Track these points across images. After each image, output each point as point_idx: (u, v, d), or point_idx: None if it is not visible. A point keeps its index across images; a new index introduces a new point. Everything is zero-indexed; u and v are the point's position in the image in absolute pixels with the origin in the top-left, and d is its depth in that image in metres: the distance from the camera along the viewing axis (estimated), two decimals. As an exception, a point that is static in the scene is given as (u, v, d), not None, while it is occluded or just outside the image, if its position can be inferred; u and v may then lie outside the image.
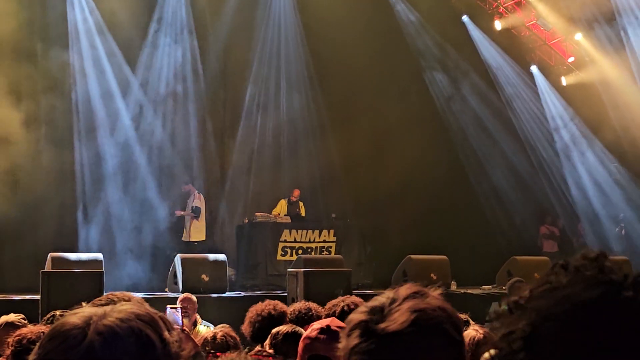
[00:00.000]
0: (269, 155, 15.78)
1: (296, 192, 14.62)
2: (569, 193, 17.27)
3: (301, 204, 14.61)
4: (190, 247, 13.84)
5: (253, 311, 4.77)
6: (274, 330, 4.11)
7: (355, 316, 1.44)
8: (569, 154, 17.24)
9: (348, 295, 5.01)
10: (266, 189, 15.40)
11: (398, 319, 1.38)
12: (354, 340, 1.40)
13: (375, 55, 16.29)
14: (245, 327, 4.73)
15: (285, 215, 14.25)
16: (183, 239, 14.11)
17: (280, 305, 4.87)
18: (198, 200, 14.03)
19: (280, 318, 4.66)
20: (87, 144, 14.49)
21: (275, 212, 14.26)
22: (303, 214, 14.50)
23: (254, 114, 15.74)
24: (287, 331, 4.00)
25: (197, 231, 14.01)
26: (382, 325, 1.38)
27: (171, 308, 3.99)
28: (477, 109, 17.09)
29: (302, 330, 4.03)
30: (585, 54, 16.72)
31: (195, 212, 13.95)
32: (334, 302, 4.83)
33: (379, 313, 1.41)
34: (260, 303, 4.83)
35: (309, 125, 16.27)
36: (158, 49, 15.12)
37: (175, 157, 15.30)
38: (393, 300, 1.43)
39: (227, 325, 4.45)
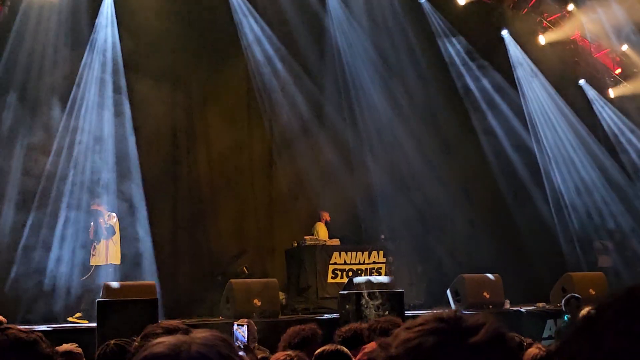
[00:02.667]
0: (315, 178, 15.81)
1: (326, 215, 14.59)
2: (620, 207, 16.96)
3: None
4: (99, 271, 12.42)
5: (289, 332, 4.75)
6: (318, 350, 4.07)
7: None
8: (623, 166, 16.92)
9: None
10: (314, 212, 15.42)
11: None
12: None
13: (417, 77, 16.30)
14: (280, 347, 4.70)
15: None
16: (94, 263, 12.47)
17: (313, 326, 4.84)
18: (113, 220, 12.75)
19: (311, 338, 4.62)
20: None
21: (320, 237, 14.24)
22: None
23: (300, 137, 15.80)
24: (331, 350, 3.95)
25: (112, 254, 12.62)
26: None
27: (238, 325, 4.07)
28: (522, 123, 16.89)
29: (345, 350, 3.99)
30: (633, 65, 16.48)
31: (109, 231, 12.54)
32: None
33: None
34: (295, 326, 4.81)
35: (354, 149, 16.28)
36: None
37: (220, 180, 15.45)
38: None
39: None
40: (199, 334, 1.44)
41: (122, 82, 14.63)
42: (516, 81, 16.74)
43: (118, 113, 14.76)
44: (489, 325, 1.34)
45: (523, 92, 16.77)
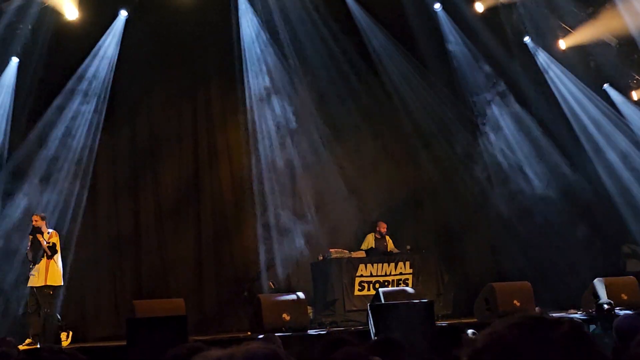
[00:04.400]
0: (340, 190, 15.75)
1: (382, 227, 14.51)
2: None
3: (388, 238, 14.50)
4: (42, 293, 11.37)
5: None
6: None
7: None
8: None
9: None
10: (339, 225, 15.36)
11: None
12: None
13: (436, 87, 16.23)
14: None
15: (364, 249, 14.18)
16: (33, 284, 11.40)
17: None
18: (55, 237, 11.69)
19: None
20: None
21: (364, 247, 14.18)
22: (390, 249, 14.35)
23: (323, 149, 15.76)
24: None
25: (54, 274, 11.49)
26: None
27: None
28: (551, 130, 16.63)
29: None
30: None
31: (51, 250, 11.51)
32: None
33: None
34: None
35: (377, 159, 16.22)
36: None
37: (243, 195, 15.42)
38: None
39: None
40: (244, 347, 1.45)
41: (141, 98, 14.73)
42: (550, 85, 16.48)
43: (138, 130, 14.86)
44: (570, 321, 1.41)
45: (558, 94, 16.50)
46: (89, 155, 13.98)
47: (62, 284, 11.79)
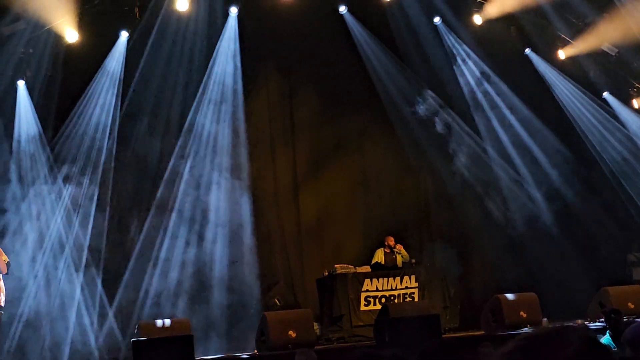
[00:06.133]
0: (343, 205, 15.74)
1: (390, 240, 14.48)
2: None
3: (402, 249, 14.46)
4: None
5: None
6: None
7: None
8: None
9: None
10: (343, 240, 15.32)
11: None
12: None
13: (438, 100, 16.27)
14: None
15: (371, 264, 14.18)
16: None
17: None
18: (3, 256, 10.35)
19: None
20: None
21: (373, 262, 14.19)
22: (399, 264, 14.32)
23: (327, 163, 15.78)
24: None
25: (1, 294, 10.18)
26: None
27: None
28: (553, 140, 16.60)
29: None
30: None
31: (8, 267, 10.30)
32: None
33: None
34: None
35: (380, 173, 16.22)
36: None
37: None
38: None
39: None
40: None
41: (146, 117, 14.76)
42: (556, 97, 16.43)
43: (147, 148, 14.86)
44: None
45: (560, 103, 16.47)
46: (95, 175, 13.99)
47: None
